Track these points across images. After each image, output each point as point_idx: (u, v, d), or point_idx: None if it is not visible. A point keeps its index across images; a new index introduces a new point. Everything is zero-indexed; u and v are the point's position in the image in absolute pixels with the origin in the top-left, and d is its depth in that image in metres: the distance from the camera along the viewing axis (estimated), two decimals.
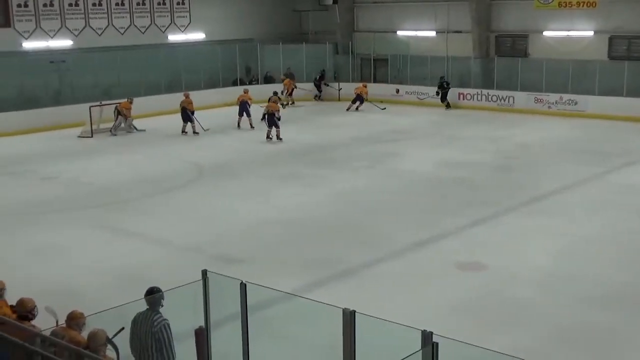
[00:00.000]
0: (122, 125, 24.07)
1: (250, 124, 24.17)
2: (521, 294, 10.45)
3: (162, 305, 7.00)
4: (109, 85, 27.00)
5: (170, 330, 6.93)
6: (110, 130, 23.87)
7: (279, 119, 21.82)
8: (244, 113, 24.33)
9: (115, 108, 23.95)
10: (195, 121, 23.33)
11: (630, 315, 9.78)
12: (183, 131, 23.39)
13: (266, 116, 22.06)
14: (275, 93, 24.96)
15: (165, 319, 6.95)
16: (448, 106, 28.54)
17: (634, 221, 13.87)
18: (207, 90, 29.16)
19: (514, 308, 9.95)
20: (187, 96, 23.84)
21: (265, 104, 22.52)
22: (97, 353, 6.03)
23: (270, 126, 21.90)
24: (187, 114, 23.39)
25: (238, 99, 24.65)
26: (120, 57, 27.09)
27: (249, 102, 24.68)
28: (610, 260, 11.82)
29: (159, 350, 6.90)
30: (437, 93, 28.81)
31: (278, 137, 21.82)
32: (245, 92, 25.02)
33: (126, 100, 24.27)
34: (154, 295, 7.00)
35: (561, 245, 12.56)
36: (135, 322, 7.00)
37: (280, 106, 24.31)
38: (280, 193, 16.26)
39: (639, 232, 13.23)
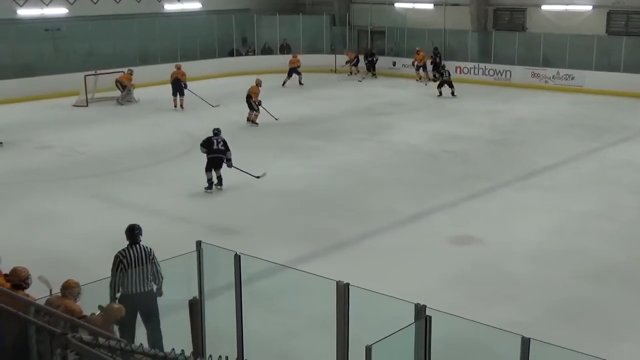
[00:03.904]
0: (130, 94, 23.82)
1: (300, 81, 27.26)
2: (515, 268, 10.49)
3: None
4: (104, 54, 26.73)
5: None
6: (118, 100, 23.71)
7: (258, 104, 20.23)
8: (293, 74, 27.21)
9: (116, 81, 23.75)
10: (199, 97, 22.50)
11: (624, 290, 9.83)
12: (175, 106, 22.64)
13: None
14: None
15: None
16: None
17: (628, 196, 13.90)
18: (203, 60, 28.97)
19: (507, 282, 9.99)
20: (178, 67, 23.00)
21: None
22: (107, 329, 6.00)
23: (250, 109, 20.36)
24: (180, 86, 22.53)
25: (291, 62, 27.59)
26: (115, 26, 26.85)
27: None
28: (604, 235, 11.86)
29: (155, 272, 7.57)
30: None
31: (252, 121, 20.31)
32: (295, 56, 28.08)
33: (127, 71, 24.02)
34: (134, 231, 7.75)
35: (555, 220, 12.58)
36: (125, 258, 7.56)
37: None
38: (277, 164, 16.19)
39: (633, 207, 13.27)
